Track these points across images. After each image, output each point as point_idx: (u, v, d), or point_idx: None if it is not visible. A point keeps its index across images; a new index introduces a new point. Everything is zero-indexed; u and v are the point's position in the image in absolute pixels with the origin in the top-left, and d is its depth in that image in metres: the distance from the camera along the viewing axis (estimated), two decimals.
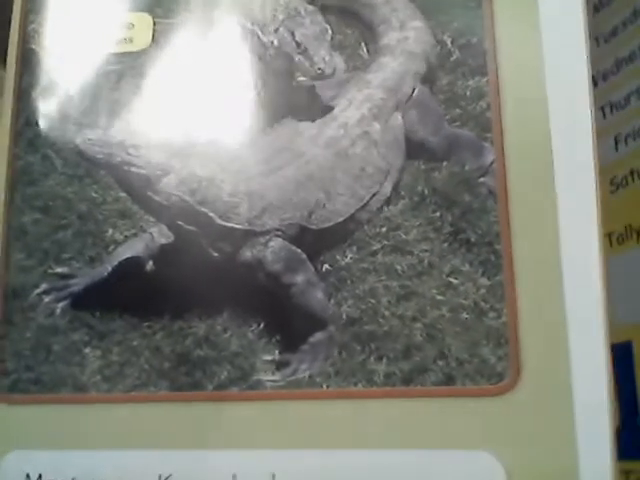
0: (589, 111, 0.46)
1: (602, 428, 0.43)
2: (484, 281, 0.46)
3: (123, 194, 0.51)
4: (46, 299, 0.51)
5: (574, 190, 0.45)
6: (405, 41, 0.53)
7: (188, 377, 0.48)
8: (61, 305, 0.50)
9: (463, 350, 0.45)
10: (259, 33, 0.54)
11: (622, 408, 0.59)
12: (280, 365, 0.48)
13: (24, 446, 0.48)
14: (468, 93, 0.50)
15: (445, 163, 0.50)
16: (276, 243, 0.49)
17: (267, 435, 0.46)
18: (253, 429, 0.46)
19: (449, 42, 0.51)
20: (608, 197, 0.61)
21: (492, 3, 0.48)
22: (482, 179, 0.48)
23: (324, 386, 0.46)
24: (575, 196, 0.45)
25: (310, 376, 0.47)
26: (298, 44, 0.52)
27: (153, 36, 0.54)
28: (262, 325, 0.49)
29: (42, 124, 0.54)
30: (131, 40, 0.54)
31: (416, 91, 0.52)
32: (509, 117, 0.47)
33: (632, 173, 0.60)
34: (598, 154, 0.54)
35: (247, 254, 0.49)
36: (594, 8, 0.64)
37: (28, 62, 0.55)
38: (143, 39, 0.54)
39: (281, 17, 0.53)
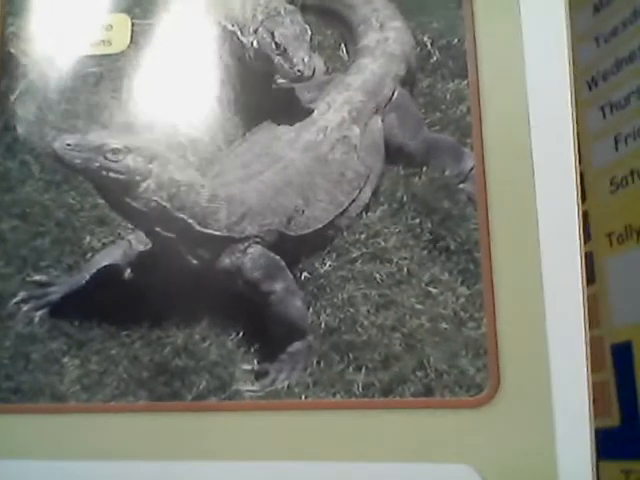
0: (571, 114, 0.44)
1: (583, 440, 0.42)
2: (463, 290, 0.45)
3: (101, 201, 0.50)
4: (24, 307, 0.50)
5: (555, 197, 0.44)
6: (385, 42, 0.52)
7: (167, 387, 0.47)
8: (39, 314, 0.50)
9: (442, 361, 0.44)
10: (238, 34, 0.53)
11: (622, 408, 0.59)
12: (259, 375, 0.47)
13: (3, 456, 0.47)
14: (448, 96, 0.49)
15: (425, 168, 0.49)
16: (255, 250, 0.48)
17: (245, 446, 0.45)
18: (232, 440, 0.45)
19: (429, 43, 0.51)
20: (608, 197, 0.60)
21: (472, 3, 0.47)
22: (462, 185, 0.48)
23: (302, 397, 0.46)
24: (556, 203, 0.44)
25: (289, 386, 0.46)
26: (277, 45, 0.51)
27: (132, 38, 0.54)
28: (241, 334, 0.48)
29: (20, 129, 0.53)
30: (109, 42, 0.54)
31: (396, 94, 0.51)
32: (489, 121, 0.46)
33: (632, 173, 0.59)
34: (598, 155, 0.53)
35: (226, 261, 0.48)
36: (594, 8, 0.63)
37: (6, 66, 0.54)
38: (121, 41, 0.54)
39: (260, 17, 0.52)
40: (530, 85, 0.45)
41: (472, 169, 0.46)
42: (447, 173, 0.48)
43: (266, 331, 0.48)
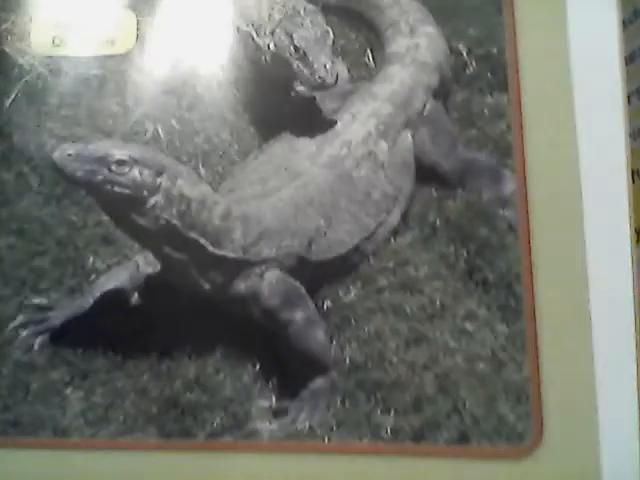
0: (624, 134, 0.40)
1: None
2: (503, 328, 0.42)
3: (105, 217, 0.46)
4: (23, 333, 0.47)
5: (606, 226, 0.40)
6: (416, 49, 0.48)
7: (178, 423, 0.44)
8: (39, 340, 0.46)
9: (479, 405, 0.41)
10: (254, 35, 0.48)
11: None
12: (278, 413, 0.44)
13: None
14: (486, 112, 0.46)
15: (460, 191, 0.46)
16: (273, 275, 0.45)
17: None
18: None
19: (465, 52, 0.47)
20: None
21: (514, 9, 0.43)
22: (501, 211, 0.44)
23: (325, 439, 0.42)
24: (607, 233, 0.40)
25: (310, 427, 0.43)
26: (296, 48, 0.46)
27: (137, 37, 0.49)
28: (258, 367, 0.45)
29: (16, 136, 0.49)
30: (113, 42, 0.49)
31: (427, 107, 0.47)
32: (532, 141, 0.42)
33: (632, 173, 0.57)
34: None
35: (241, 286, 0.45)
36: None
37: (1, 66, 0.50)
38: (127, 41, 0.49)
39: (278, 17, 0.48)
40: (578, 101, 0.41)
41: (513, 193, 0.43)
42: (485, 197, 0.45)
43: (285, 365, 0.44)
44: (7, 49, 0.50)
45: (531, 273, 0.41)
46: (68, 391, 0.45)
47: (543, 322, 0.41)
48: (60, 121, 0.49)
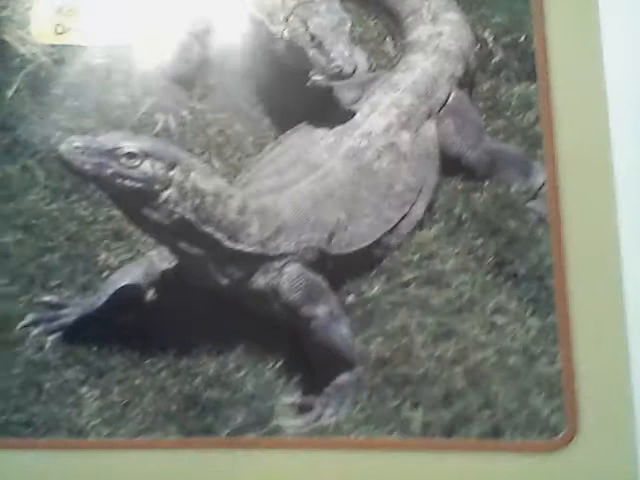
0: None
1: None
2: (534, 321, 0.42)
3: (117, 212, 0.45)
4: (34, 331, 0.45)
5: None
6: (438, 37, 0.47)
7: (199, 421, 0.43)
8: (51, 338, 0.45)
9: (511, 399, 0.41)
10: (267, 23, 0.47)
11: None
12: (302, 409, 0.43)
13: None
14: (514, 101, 0.45)
15: (487, 183, 0.45)
16: (292, 269, 0.44)
17: None
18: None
19: (491, 40, 0.46)
20: None
21: None
22: (531, 203, 0.44)
23: (352, 435, 0.42)
24: None
25: (336, 423, 0.42)
26: (312, 36, 0.45)
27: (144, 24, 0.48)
28: (280, 362, 0.44)
29: (20, 129, 0.48)
30: (119, 30, 0.48)
31: (452, 97, 0.46)
32: (563, 131, 0.42)
33: None
34: None
35: (260, 281, 0.44)
36: None
37: (1, 56, 0.48)
38: (134, 28, 0.48)
39: (292, 3, 0.46)
40: (611, 89, 0.40)
41: (543, 185, 0.43)
42: (513, 189, 0.45)
43: (309, 360, 0.43)
44: (7, 38, 0.49)
45: (563, 266, 0.41)
46: (83, 390, 0.44)
47: (576, 315, 0.40)
48: (65, 112, 0.48)
